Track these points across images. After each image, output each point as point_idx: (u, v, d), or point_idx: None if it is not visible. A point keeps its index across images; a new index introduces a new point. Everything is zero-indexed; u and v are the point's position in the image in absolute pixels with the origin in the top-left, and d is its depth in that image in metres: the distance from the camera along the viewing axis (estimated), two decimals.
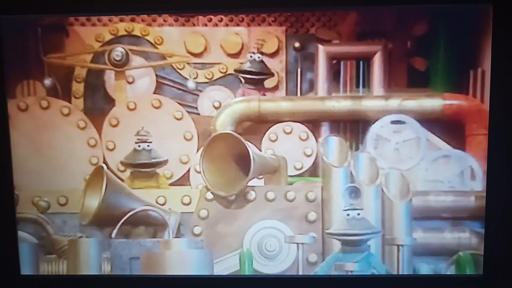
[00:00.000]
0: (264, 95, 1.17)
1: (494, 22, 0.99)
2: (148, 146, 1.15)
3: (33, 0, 1.02)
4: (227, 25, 1.16)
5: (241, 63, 1.16)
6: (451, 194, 1.11)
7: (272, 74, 1.17)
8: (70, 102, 1.16)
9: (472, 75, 1.10)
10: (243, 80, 1.17)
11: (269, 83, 1.18)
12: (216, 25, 1.16)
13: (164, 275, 1.08)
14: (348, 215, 1.07)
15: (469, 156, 1.11)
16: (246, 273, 1.09)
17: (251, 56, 1.16)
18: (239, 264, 1.09)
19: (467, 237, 1.11)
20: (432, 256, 1.11)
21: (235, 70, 1.18)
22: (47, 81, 1.15)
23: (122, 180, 1.16)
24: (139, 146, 1.15)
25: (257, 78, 1.17)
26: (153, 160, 1.15)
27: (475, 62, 1.09)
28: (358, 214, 1.06)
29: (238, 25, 1.15)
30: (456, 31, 1.09)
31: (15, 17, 1.06)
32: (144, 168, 1.15)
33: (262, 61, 1.16)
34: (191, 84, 1.18)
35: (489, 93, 1.02)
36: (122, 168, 1.17)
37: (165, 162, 1.16)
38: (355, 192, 1.07)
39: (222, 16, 1.14)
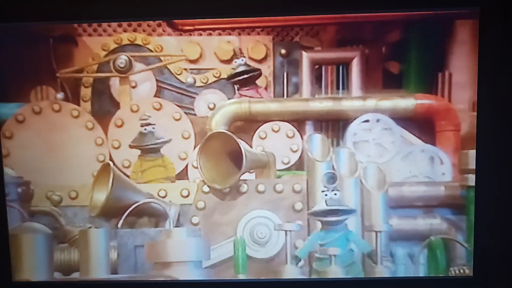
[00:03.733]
0: (258, 93, 1.19)
1: (481, 25, 1.01)
2: (153, 128, 1.17)
3: (39, 8, 1.05)
4: (220, 34, 1.17)
5: (232, 69, 1.18)
6: (423, 184, 1.14)
7: (259, 70, 1.18)
8: (79, 105, 1.19)
9: (440, 77, 1.12)
10: (237, 86, 1.19)
11: (259, 83, 1.20)
12: (210, 34, 1.17)
13: (153, 280, 1.11)
14: (326, 195, 1.10)
15: (439, 150, 1.14)
16: (240, 259, 1.12)
17: (235, 62, 1.18)
18: (233, 250, 1.13)
19: (438, 223, 1.14)
20: (407, 241, 1.14)
21: (228, 79, 1.19)
22: (59, 95, 1.17)
23: (127, 176, 1.18)
24: (145, 129, 1.17)
25: (248, 77, 1.18)
26: (157, 141, 1.17)
27: (443, 65, 1.12)
28: (335, 194, 1.10)
29: (230, 34, 1.17)
30: (426, 38, 1.12)
31: (25, 24, 1.11)
32: (150, 149, 1.18)
33: (246, 63, 1.18)
34: (189, 80, 1.20)
35: (477, 92, 1.04)
36: (127, 164, 1.19)
37: (169, 141, 1.18)
38: (332, 177, 1.10)
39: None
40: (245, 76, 1.18)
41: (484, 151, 1.05)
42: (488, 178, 1.05)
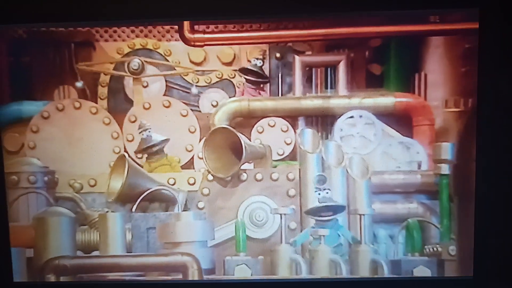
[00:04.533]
0: (260, 94, 1.25)
1: (481, 25, 1.02)
2: (149, 132, 1.23)
3: (59, 11, 1.11)
4: None
5: (248, 61, 1.24)
6: (402, 173, 1.21)
7: (267, 78, 1.23)
8: (96, 103, 1.26)
9: (417, 78, 1.19)
10: (243, 79, 1.24)
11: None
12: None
13: (154, 280, 1.16)
14: (319, 194, 1.17)
15: (416, 142, 1.20)
16: (240, 239, 1.17)
17: (254, 60, 1.22)
18: (234, 231, 1.19)
19: (414, 207, 1.22)
20: (387, 223, 1.21)
21: (239, 70, 1.23)
22: (78, 84, 1.23)
23: (140, 166, 1.24)
24: (142, 134, 1.23)
25: (254, 80, 1.23)
26: (156, 142, 1.22)
27: (419, 67, 1.18)
28: (327, 193, 1.17)
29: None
30: (404, 43, 1.19)
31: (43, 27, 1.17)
32: (152, 149, 1.22)
33: (261, 67, 1.23)
34: (194, 90, 1.25)
35: (477, 92, 1.06)
36: (139, 155, 1.26)
37: (167, 140, 1.23)
38: (322, 179, 1.17)
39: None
40: (253, 78, 1.24)
41: (484, 151, 1.06)
42: (488, 178, 1.07)
